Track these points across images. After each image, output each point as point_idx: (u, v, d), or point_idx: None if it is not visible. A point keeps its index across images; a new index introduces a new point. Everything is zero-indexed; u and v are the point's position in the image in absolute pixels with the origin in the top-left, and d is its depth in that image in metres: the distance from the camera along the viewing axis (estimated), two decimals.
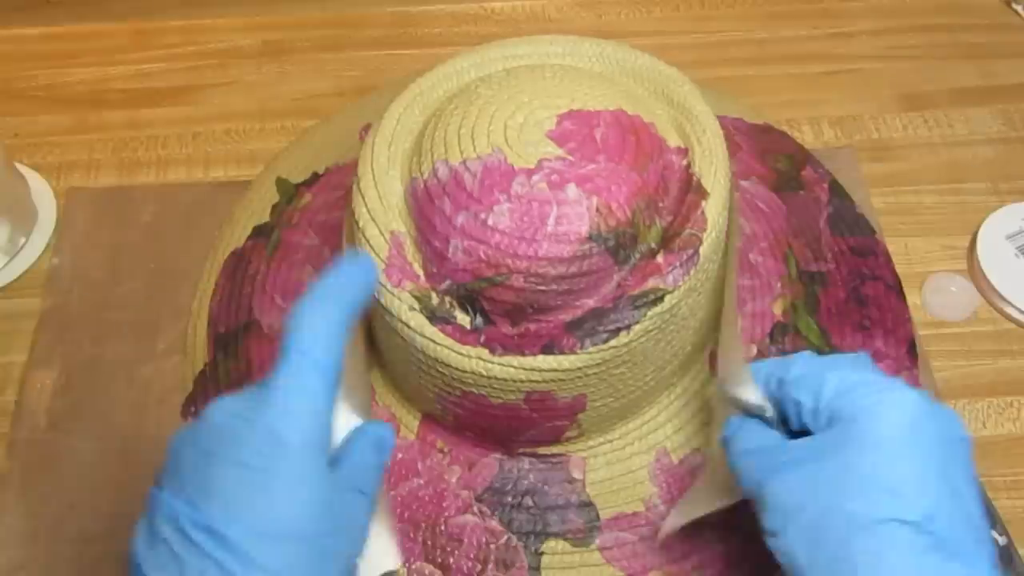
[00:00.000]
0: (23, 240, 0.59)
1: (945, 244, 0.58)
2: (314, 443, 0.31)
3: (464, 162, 0.41)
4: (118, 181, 0.62)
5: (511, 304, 0.40)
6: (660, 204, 0.42)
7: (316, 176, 0.59)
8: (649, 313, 0.40)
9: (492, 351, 0.40)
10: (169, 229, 0.59)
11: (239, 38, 0.70)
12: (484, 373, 0.40)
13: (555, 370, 0.40)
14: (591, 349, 0.39)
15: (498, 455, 0.46)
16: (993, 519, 0.47)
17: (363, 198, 0.42)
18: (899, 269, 0.56)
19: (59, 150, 0.64)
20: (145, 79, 0.68)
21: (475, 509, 0.45)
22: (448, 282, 0.41)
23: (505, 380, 0.40)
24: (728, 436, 0.37)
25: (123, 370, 0.54)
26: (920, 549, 0.30)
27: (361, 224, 0.42)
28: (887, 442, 0.31)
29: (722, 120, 0.46)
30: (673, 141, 0.44)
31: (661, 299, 0.40)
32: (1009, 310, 0.55)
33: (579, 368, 0.40)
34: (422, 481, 0.46)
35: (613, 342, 0.39)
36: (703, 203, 0.41)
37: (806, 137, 0.63)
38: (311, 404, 0.32)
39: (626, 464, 0.46)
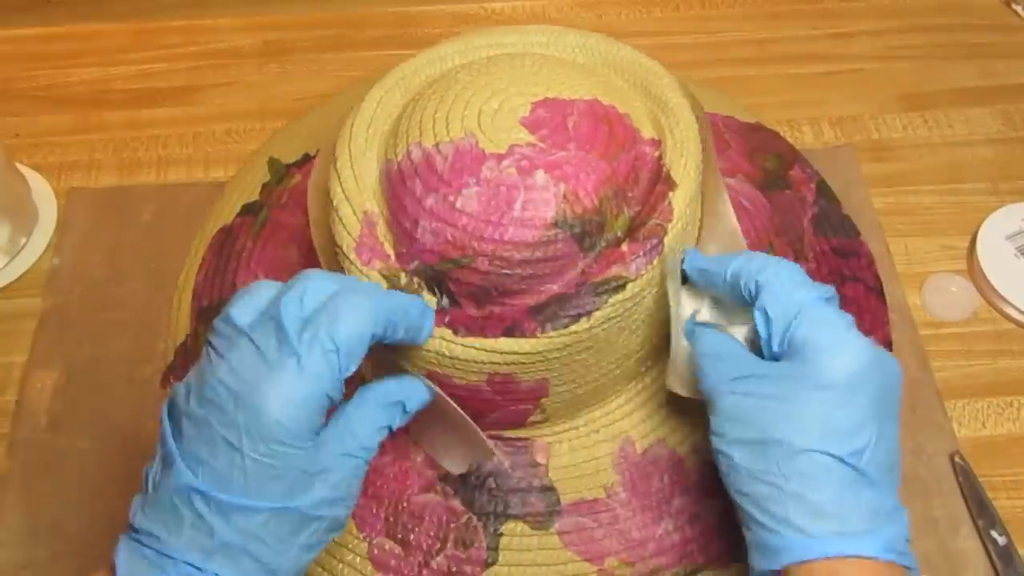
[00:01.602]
0: (24, 240, 0.59)
1: (945, 244, 0.58)
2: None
3: (437, 145, 0.42)
4: (118, 181, 0.62)
5: (476, 286, 0.40)
6: (629, 194, 0.42)
7: (308, 158, 0.60)
8: (610, 300, 0.40)
9: (455, 332, 0.40)
10: (169, 229, 0.59)
11: (240, 38, 0.70)
12: (447, 353, 0.40)
13: (516, 353, 0.40)
14: (552, 333, 0.40)
15: None
16: (993, 519, 0.47)
17: (339, 178, 0.43)
18: (899, 269, 0.56)
19: (60, 150, 0.64)
20: (146, 79, 0.68)
21: (438, 488, 0.46)
22: (416, 263, 0.41)
23: (467, 361, 0.40)
24: (696, 333, 0.40)
25: (123, 370, 0.54)
26: (842, 478, 0.35)
27: (335, 203, 0.42)
28: (837, 386, 0.35)
29: (713, 118, 0.46)
30: (647, 132, 0.44)
31: (623, 287, 0.40)
32: (1008, 310, 0.55)
33: (540, 352, 0.40)
34: (388, 458, 0.47)
35: (573, 327, 0.40)
36: (670, 194, 0.42)
37: (806, 137, 0.63)
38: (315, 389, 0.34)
39: (590, 451, 0.46)
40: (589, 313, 0.40)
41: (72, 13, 0.71)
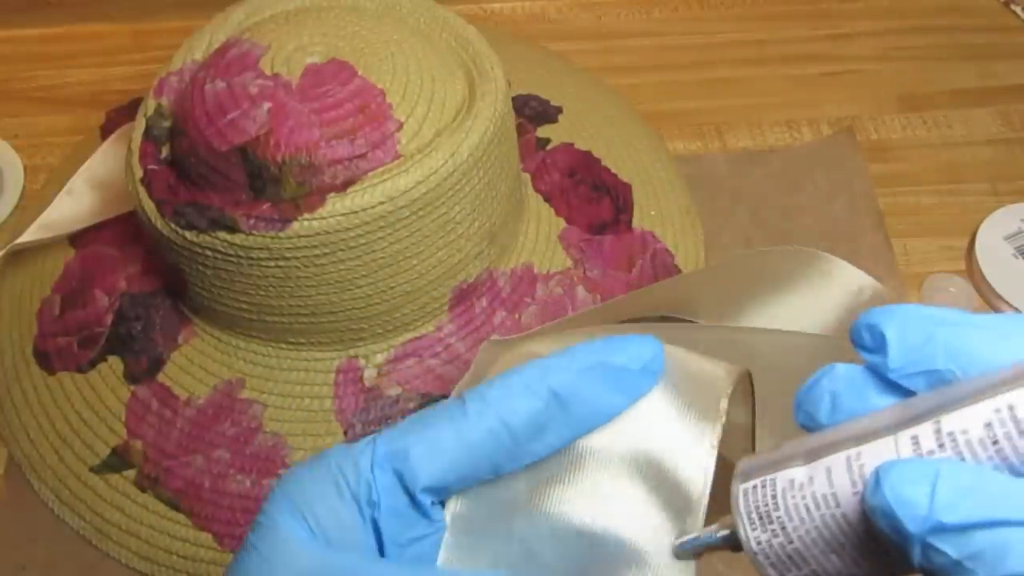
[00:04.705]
0: None
1: (944, 245, 0.58)
2: None
3: (240, 42, 0.45)
4: None
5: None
6: (326, 168, 0.43)
7: None
8: (219, 235, 0.43)
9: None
10: None
11: None
12: None
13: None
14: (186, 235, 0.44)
15: None
16: None
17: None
18: (898, 269, 0.56)
19: (59, 151, 0.64)
20: (145, 80, 0.67)
21: None
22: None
23: None
24: None
25: None
26: None
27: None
28: None
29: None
30: (397, 114, 0.44)
31: (232, 229, 0.42)
32: (1007, 310, 0.55)
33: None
34: None
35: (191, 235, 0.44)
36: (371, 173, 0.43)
37: (805, 138, 0.63)
38: None
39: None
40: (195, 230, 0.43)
41: (71, 13, 0.70)
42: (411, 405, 0.47)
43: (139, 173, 0.45)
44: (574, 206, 0.54)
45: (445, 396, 0.48)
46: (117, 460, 0.49)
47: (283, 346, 0.48)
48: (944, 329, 0.22)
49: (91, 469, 0.49)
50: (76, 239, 0.55)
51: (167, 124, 0.47)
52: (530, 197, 0.54)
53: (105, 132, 0.62)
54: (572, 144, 0.57)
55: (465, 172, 0.44)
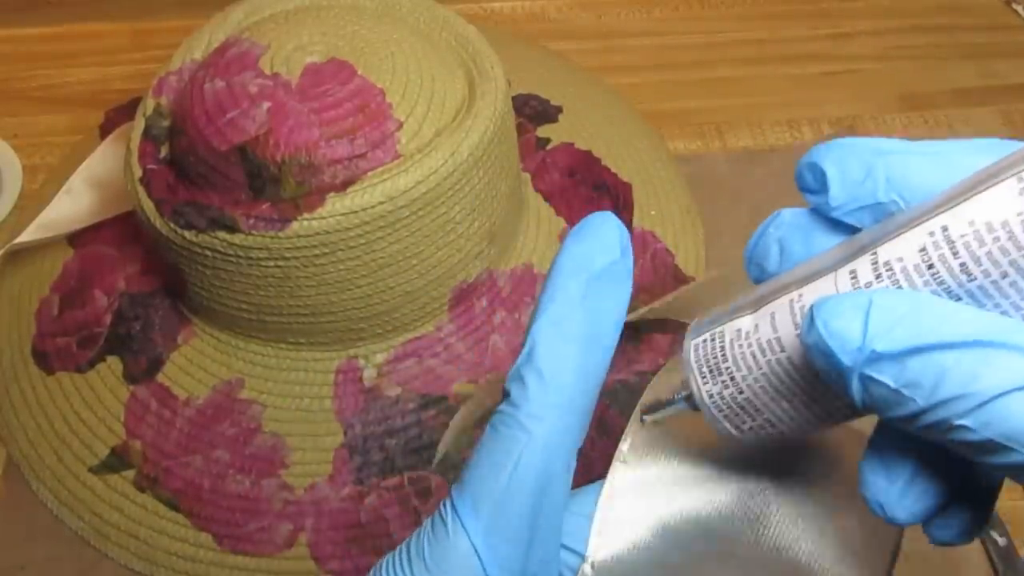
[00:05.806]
0: None
1: None
2: None
3: (239, 42, 0.45)
4: None
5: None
6: (326, 168, 0.43)
7: None
8: (218, 235, 0.43)
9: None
10: None
11: None
12: None
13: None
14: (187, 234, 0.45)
15: None
16: (993, 520, 0.47)
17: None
18: None
19: (59, 150, 0.64)
20: (144, 79, 0.67)
21: None
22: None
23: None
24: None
25: None
26: None
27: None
28: None
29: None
30: (397, 114, 0.44)
31: (233, 229, 0.42)
32: None
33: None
34: None
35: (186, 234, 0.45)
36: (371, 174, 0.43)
37: (806, 137, 0.62)
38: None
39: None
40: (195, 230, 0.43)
41: (71, 13, 0.70)
42: (411, 405, 0.47)
43: (138, 172, 0.45)
44: (574, 206, 0.54)
45: (445, 396, 0.48)
46: (116, 460, 0.49)
47: (283, 346, 0.48)
48: (884, 159, 0.21)
49: (90, 469, 0.49)
50: (75, 239, 0.55)
51: (166, 123, 0.47)
52: (530, 197, 0.54)
53: (104, 131, 0.61)
54: (572, 144, 0.57)
55: (465, 172, 0.44)
